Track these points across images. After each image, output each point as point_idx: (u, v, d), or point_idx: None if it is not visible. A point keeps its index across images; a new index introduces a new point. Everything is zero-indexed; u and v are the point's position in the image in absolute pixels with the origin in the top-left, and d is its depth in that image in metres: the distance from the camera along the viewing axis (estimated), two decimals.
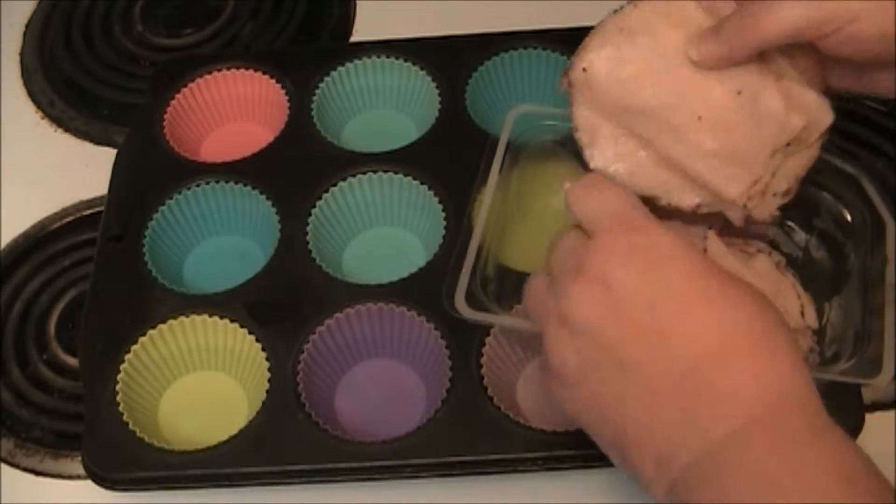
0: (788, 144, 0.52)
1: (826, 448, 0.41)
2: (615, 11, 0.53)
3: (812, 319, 0.56)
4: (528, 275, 0.60)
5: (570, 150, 0.59)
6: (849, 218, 0.56)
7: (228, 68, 0.74)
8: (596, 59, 0.52)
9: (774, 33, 0.47)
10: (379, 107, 0.75)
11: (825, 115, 0.53)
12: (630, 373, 0.43)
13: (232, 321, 0.62)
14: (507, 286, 0.57)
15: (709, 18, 0.51)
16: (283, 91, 0.72)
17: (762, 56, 0.51)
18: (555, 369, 0.46)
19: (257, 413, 0.59)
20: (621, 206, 0.46)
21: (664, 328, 0.42)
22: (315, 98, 0.72)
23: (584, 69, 0.53)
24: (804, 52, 0.51)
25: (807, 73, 0.52)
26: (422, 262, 0.64)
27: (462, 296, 0.52)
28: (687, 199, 0.52)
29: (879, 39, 0.46)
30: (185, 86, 0.73)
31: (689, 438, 0.41)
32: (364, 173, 0.67)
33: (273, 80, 0.73)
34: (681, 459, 0.41)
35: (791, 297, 0.56)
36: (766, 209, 0.53)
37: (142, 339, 0.62)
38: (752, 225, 0.53)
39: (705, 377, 0.41)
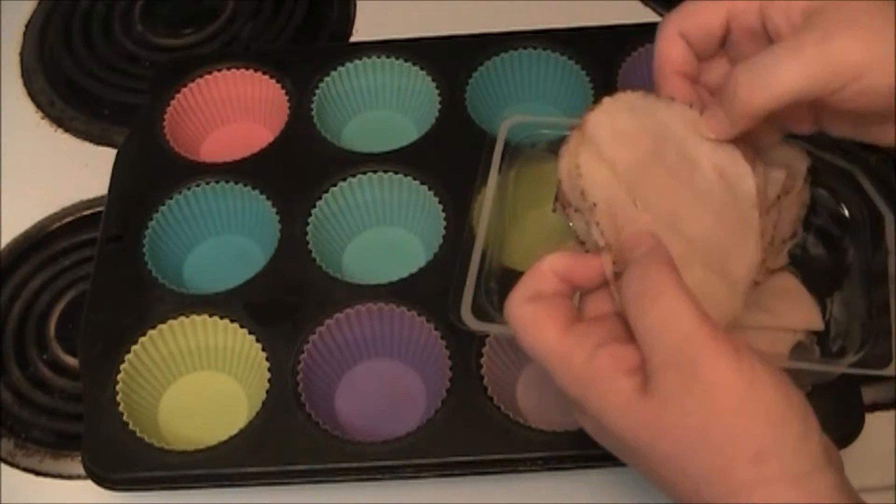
0: (779, 197, 0.53)
1: None
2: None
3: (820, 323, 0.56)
4: None
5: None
6: (846, 213, 0.56)
7: (228, 68, 0.74)
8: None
9: (776, 99, 0.45)
10: (379, 107, 0.75)
11: (801, 161, 0.55)
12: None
13: (232, 321, 0.62)
14: (508, 287, 0.57)
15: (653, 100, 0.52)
16: (283, 91, 0.72)
17: None
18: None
19: (257, 413, 0.59)
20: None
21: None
22: (315, 98, 0.72)
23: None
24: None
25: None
26: (422, 262, 0.64)
27: (468, 308, 0.52)
28: None
29: (887, 94, 0.45)
30: (185, 86, 0.73)
31: None
32: (364, 173, 0.67)
33: (273, 80, 0.73)
34: None
35: (813, 312, 0.56)
36: (779, 257, 0.55)
37: (142, 339, 0.62)
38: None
39: None
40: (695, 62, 0.51)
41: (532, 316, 0.45)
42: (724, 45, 0.50)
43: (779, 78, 0.44)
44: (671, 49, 0.50)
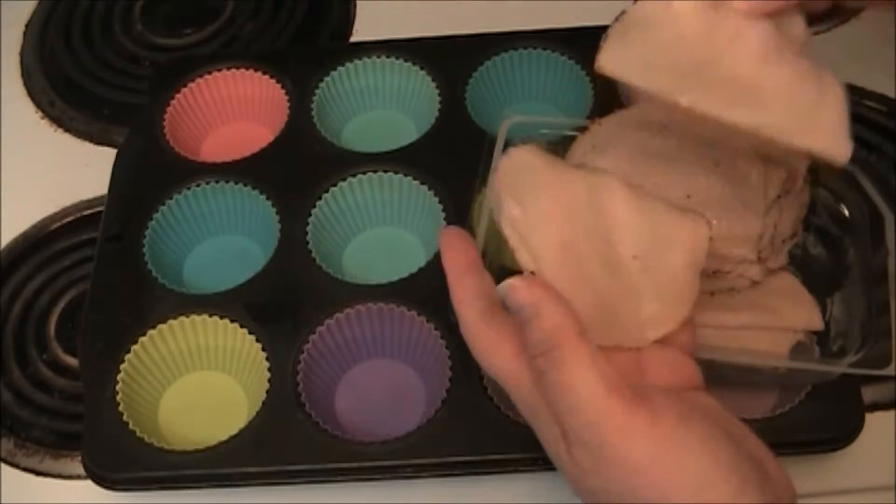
0: (779, 197, 0.54)
1: None
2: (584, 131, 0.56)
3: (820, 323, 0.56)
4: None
5: (562, 153, 0.59)
6: (846, 213, 0.57)
7: (228, 68, 0.74)
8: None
9: None
10: (379, 107, 0.75)
11: (801, 162, 0.55)
12: None
13: (232, 321, 0.62)
14: None
15: (660, 111, 0.53)
16: (283, 91, 0.72)
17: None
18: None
19: (257, 413, 0.59)
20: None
21: None
22: (315, 98, 0.72)
23: None
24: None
25: None
26: (422, 262, 0.64)
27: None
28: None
29: None
30: (185, 86, 0.73)
31: None
32: (364, 173, 0.67)
33: (273, 80, 0.73)
34: None
35: (813, 312, 0.56)
36: (779, 257, 0.55)
37: (142, 339, 0.62)
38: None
39: None
40: None
41: (488, 338, 0.45)
42: None
43: None
44: None
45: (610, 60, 0.47)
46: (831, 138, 0.45)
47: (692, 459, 0.40)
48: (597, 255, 0.47)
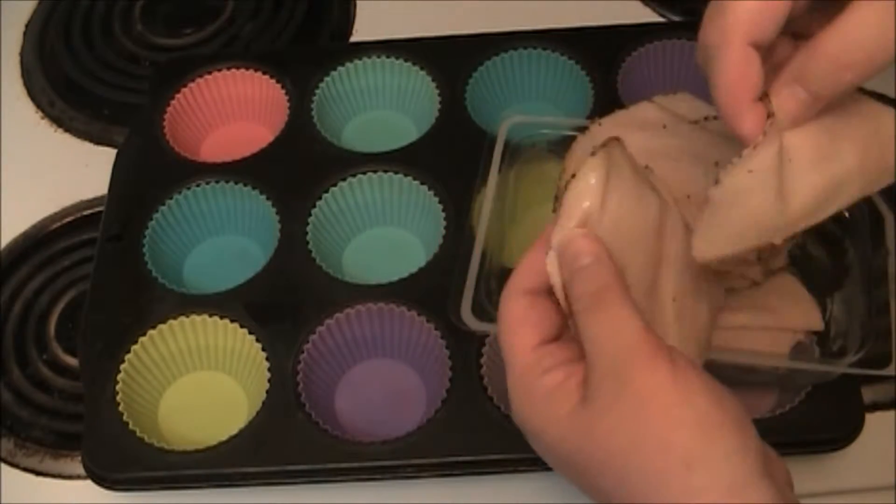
0: None
1: None
2: (584, 131, 0.54)
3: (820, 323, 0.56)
4: None
5: (562, 153, 0.59)
6: (846, 213, 0.57)
7: (228, 68, 0.74)
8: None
9: (872, 73, 0.40)
10: (379, 107, 0.75)
11: None
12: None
13: (232, 321, 0.62)
14: None
15: (666, 114, 0.53)
16: (283, 91, 0.72)
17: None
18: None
19: (257, 413, 0.59)
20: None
21: None
22: (315, 98, 0.72)
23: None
24: None
25: None
26: (422, 262, 0.64)
27: (468, 308, 0.53)
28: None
29: None
30: (185, 86, 0.73)
31: None
32: (364, 173, 0.67)
33: (273, 80, 0.73)
34: None
35: (813, 312, 0.56)
36: (779, 257, 0.55)
37: (142, 339, 0.62)
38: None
39: None
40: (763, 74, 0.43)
41: (520, 315, 0.45)
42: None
43: (878, 50, 0.39)
44: (749, 70, 0.41)
45: (706, 251, 0.47)
46: None
47: (700, 398, 0.40)
48: (644, 281, 0.47)
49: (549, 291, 0.45)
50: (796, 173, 0.45)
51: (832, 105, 0.43)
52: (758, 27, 0.41)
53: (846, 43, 0.40)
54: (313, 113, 0.71)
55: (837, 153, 0.45)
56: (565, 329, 0.45)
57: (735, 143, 0.54)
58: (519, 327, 0.45)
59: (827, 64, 0.40)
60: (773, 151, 0.44)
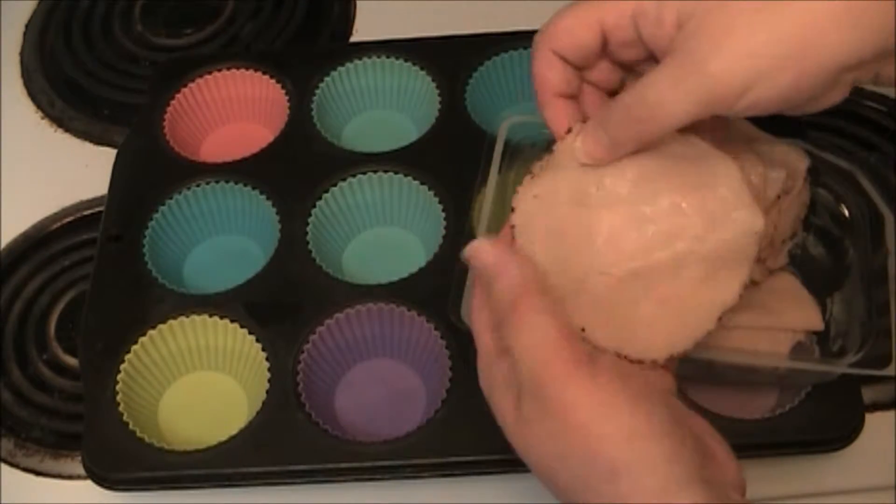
0: (778, 197, 0.53)
1: None
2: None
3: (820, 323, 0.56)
4: None
5: None
6: (846, 213, 0.57)
7: (228, 68, 0.74)
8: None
9: (664, 130, 0.43)
10: (379, 107, 0.75)
11: (800, 161, 0.55)
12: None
13: (232, 321, 0.62)
14: None
15: None
16: (283, 91, 0.72)
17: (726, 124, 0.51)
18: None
19: (257, 413, 0.59)
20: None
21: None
22: (315, 98, 0.72)
23: None
24: None
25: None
26: (422, 262, 0.64)
27: (468, 308, 0.52)
28: None
29: (779, 101, 0.41)
30: (185, 86, 0.73)
31: None
32: (364, 173, 0.67)
33: (273, 80, 0.73)
34: None
35: (813, 312, 0.56)
36: (779, 257, 0.55)
37: (142, 339, 0.62)
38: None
39: None
40: (575, 78, 0.48)
41: (483, 298, 0.46)
42: (606, 50, 0.47)
43: (664, 113, 0.42)
44: (548, 72, 0.47)
45: None
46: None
47: (623, 412, 0.41)
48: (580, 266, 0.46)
49: None
50: (602, 207, 0.45)
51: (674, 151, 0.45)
52: (559, 41, 0.47)
53: (637, 98, 0.43)
54: (313, 113, 0.71)
55: (654, 196, 0.45)
56: None
57: (734, 144, 0.54)
58: (480, 310, 0.46)
59: (621, 113, 0.44)
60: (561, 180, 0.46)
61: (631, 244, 0.44)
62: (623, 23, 0.45)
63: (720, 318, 0.45)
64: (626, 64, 0.47)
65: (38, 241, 0.73)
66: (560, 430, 0.41)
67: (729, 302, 0.45)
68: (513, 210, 0.48)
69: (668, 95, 0.41)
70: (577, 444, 0.41)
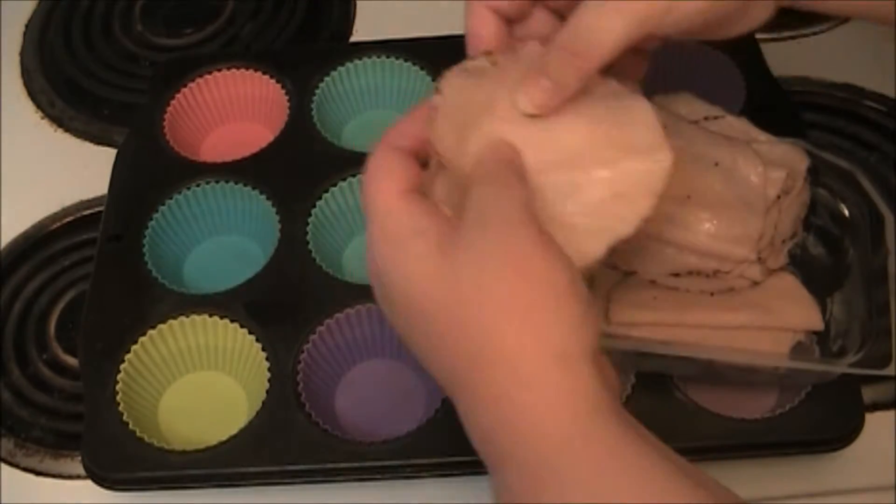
0: (778, 197, 0.54)
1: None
2: None
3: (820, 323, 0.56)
4: None
5: None
6: (846, 213, 0.57)
7: (228, 68, 0.74)
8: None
9: (603, 59, 0.44)
10: (379, 107, 0.75)
11: (801, 161, 0.55)
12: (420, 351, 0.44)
13: (232, 321, 0.62)
14: None
15: (666, 114, 0.51)
16: (283, 91, 0.72)
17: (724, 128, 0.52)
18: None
19: (257, 413, 0.59)
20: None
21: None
22: (315, 98, 0.72)
23: None
24: None
25: None
26: None
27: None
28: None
29: (702, 13, 0.44)
30: (185, 86, 0.73)
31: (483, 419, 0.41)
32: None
33: (273, 80, 0.73)
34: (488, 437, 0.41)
35: (813, 312, 0.56)
36: (779, 257, 0.56)
37: (142, 339, 0.62)
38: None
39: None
40: (506, 34, 0.49)
41: (391, 164, 0.45)
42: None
43: (600, 41, 0.44)
44: (482, 28, 0.49)
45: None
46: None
47: (563, 276, 0.40)
48: None
49: (417, 155, 0.45)
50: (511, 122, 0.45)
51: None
52: None
53: (572, 33, 0.44)
54: (313, 113, 0.71)
55: (568, 122, 0.45)
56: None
57: (735, 144, 0.54)
58: (387, 174, 0.44)
59: (558, 53, 0.44)
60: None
61: (531, 159, 0.44)
62: None
63: (612, 249, 0.44)
64: (560, 12, 0.49)
65: (38, 241, 0.73)
66: (496, 260, 0.40)
67: (622, 233, 0.44)
68: (438, 91, 0.47)
69: (602, 23, 0.44)
70: (509, 280, 0.40)
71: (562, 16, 0.49)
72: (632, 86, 0.48)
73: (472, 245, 0.41)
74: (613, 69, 0.46)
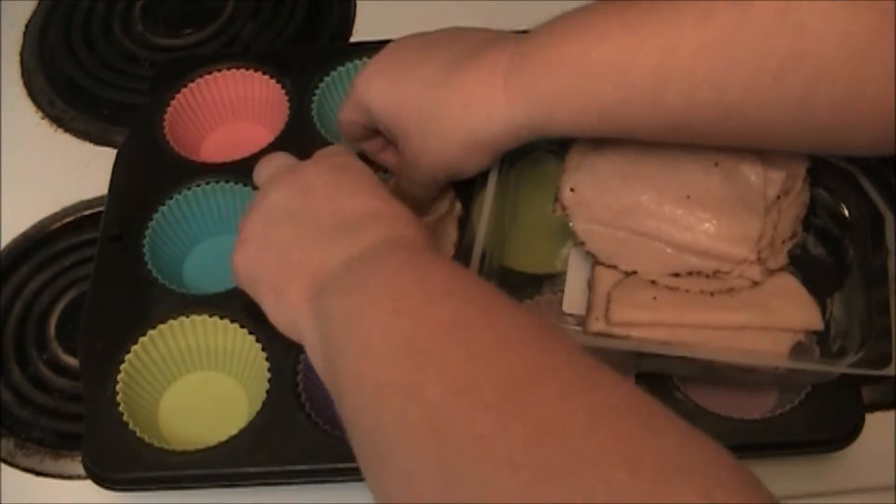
0: (778, 197, 0.54)
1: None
2: None
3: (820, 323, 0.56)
4: (529, 274, 0.61)
5: (561, 153, 0.59)
6: (846, 213, 0.57)
7: (228, 68, 0.74)
8: (581, 179, 0.56)
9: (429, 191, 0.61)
10: None
11: (800, 162, 0.56)
12: (301, 220, 0.52)
13: (232, 321, 0.62)
14: (508, 287, 0.57)
15: None
16: (283, 91, 0.72)
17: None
18: (241, 236, 0.55)
19: (257, 413, 0.59)
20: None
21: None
22: (315, 98, 0.72)
23: (572, 189, 0.57)
24: None
25: None
26: None
27: None
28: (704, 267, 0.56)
29: (446, 167, 0.58)
30: (185, 86, 0.73)
31: (336, 252, 0.49)
32: None
33: (273, 80, 0.73)
34: (328, 267, 0.48)
35: (813, 312, 0.56)
36: (779, 257, 0.56)
37: (142, 339, 0.62)
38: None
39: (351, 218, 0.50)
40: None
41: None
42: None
43: (419, 183, 0.59)
44: (348, 130, 0.65)
45: None
46: None
47: None
48: None
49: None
50: None
51: None
52: (342, 127, 0.65)
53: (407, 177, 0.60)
54: (313, 113, 0.71)
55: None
56: None
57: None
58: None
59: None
60: None
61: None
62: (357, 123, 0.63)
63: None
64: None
65: (38, 241, 0.73)
66: None
67: None
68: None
69: (414, 176, 0.59)
70: None
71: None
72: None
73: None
74: None
